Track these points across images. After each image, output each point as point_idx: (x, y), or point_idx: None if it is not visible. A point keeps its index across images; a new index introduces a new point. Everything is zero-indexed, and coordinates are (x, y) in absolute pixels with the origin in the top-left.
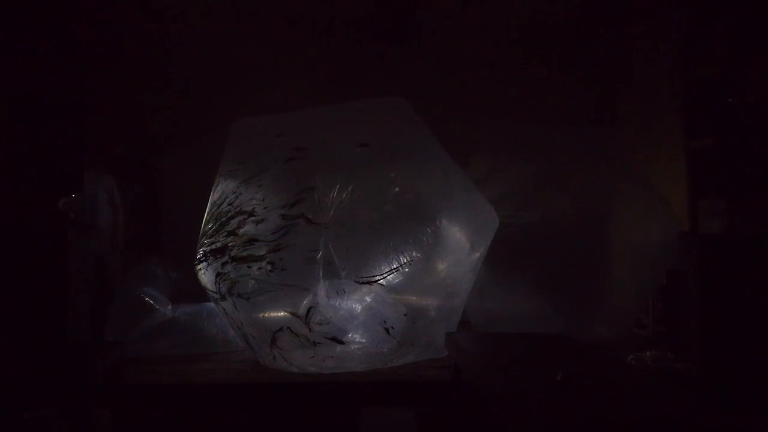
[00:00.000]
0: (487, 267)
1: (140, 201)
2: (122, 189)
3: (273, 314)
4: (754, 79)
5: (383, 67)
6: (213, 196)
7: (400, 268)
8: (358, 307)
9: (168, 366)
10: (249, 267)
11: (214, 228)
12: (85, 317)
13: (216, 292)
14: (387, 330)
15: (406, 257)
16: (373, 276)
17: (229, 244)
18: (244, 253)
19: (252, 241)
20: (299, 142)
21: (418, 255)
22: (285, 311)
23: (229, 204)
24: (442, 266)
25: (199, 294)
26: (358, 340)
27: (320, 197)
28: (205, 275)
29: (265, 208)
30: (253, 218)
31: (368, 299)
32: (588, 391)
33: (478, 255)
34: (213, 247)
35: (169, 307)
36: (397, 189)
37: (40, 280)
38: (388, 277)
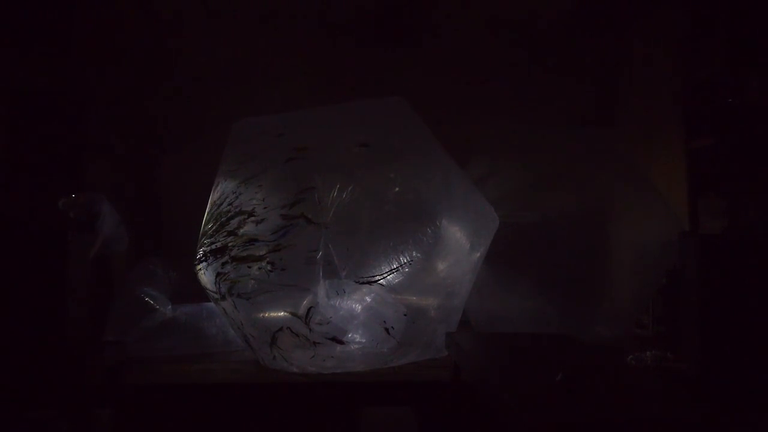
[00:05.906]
0: (487, 267)
1: (140, 201)
2: (115, 204)
3: (273, 314)
4: (754, 79)
5: (384, 67)
6: (213, 196)
7: (400, 268)
8: (358, 307)
9: (168, 366)
10: (249, 267)
11: (214, 228)
12: (85, 317)
13: (216, 292)
14: (387, 330)
15: (406, 257)
16: (373, 276)
17: (229, 244)
18: (244, 253)
19: (252, 241)
20: (299, 142)
21: (418, 255)
22: (285, 311)
23: (229, 204)
24: (442, 266)
25: (199, 294)
26: (358, 340)
27: (320, 197)
28: (205, 275)
29: (265, 208)
30: (253, 218)
31: (368, 299)
32: (588, 391)
33: (478, 255)
34: (213, 247)
35: (169, 307)
36: (397, 189)
37: (40, 279)
38: (388, 277)
